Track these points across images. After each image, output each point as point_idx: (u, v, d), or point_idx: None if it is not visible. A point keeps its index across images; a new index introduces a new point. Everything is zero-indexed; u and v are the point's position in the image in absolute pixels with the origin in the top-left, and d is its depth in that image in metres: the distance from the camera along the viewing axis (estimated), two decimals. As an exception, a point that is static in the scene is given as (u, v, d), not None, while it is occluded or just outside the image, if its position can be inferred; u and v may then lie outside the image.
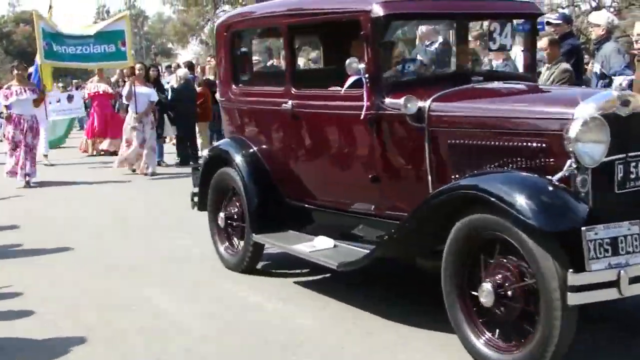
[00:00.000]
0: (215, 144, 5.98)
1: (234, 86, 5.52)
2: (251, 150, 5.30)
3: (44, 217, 8.13)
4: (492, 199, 3.35)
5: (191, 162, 11.72)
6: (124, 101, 11.68)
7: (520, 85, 4.64)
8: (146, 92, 11.29)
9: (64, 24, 12.95)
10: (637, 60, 6.09)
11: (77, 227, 7.42)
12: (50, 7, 12.42)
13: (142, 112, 11.12)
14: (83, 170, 12.43)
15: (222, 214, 5.46)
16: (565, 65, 6.42)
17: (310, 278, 5.21)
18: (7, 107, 10.48)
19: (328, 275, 5.15)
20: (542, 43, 6.31)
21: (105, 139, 14.14)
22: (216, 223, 5.60)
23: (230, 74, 5.54)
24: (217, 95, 5.80)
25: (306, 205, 5.02)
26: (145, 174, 11.09)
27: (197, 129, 12.51)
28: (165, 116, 12.45)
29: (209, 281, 5.27)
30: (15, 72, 10.73)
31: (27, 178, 10.42)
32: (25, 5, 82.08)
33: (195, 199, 5.90)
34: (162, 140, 12.91)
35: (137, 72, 11.53)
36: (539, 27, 7.77)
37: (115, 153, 13.72)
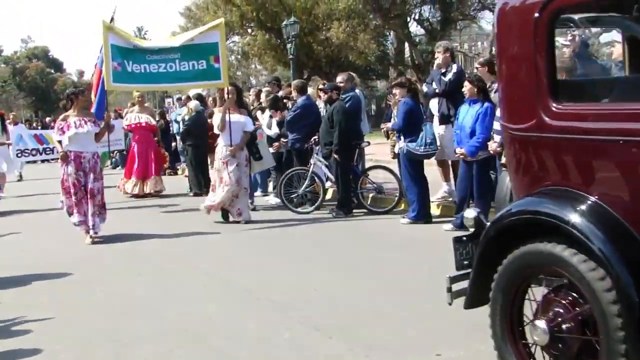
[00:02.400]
0: (514, 203, 3.59)
1: (553, 104, 3.26)
2: (608, 213, 3.04)
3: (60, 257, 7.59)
4: None
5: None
6: (215, 131, 9.29)
7: None
8: (241, 121, 9.08)
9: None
10: None
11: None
12: (112, 19, 9.91)
13: (237, 144, 8.93)
14: (145, 217, 10.34)
15: (542, 324, 3.14)
16: None
17: None
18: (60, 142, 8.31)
19: None
20: None
21: (145, 180, 12.63)
22: (515, 334, 3.33)
23: (547, 84, 3.29)
24: (506, 122, 3.50)
25: None
26: (239, 222, 9.01)
27: (208, 160, 11.43)
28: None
29: None
30: (75, 100, 8.47)
31: (92, 232, 8.20)
32: (38, 42, 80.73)
33: (456, 286, 3.65)
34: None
35: (228, 96, 9.14)
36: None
37: (158, 193, 12.67)
